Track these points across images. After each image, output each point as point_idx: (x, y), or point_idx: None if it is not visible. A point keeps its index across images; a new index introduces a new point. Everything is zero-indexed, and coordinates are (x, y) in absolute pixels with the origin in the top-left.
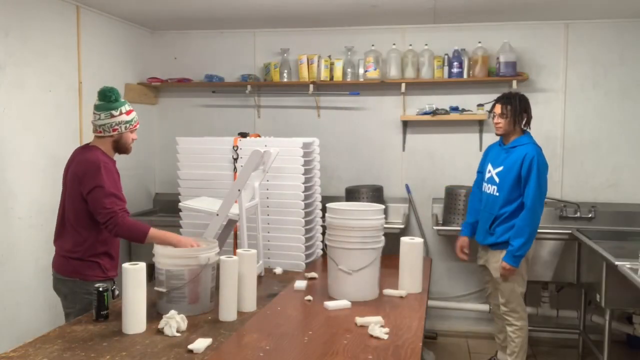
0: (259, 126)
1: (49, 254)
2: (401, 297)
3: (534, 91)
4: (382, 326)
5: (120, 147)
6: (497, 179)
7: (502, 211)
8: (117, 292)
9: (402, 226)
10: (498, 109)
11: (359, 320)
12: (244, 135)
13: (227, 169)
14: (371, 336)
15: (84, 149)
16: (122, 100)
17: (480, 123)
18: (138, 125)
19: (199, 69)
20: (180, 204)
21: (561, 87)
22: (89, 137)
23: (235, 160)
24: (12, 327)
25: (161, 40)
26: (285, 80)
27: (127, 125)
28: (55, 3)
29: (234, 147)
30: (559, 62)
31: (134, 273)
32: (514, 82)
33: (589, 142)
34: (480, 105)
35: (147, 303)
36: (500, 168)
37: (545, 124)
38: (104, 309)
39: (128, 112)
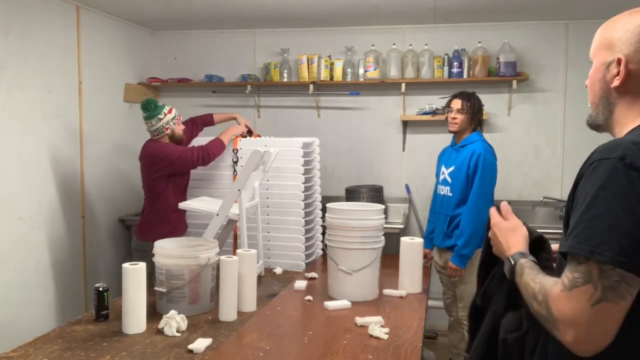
0: (259, 126)
1: (49, 254)
2: (401, 297)
3: (534, 91)
4: (382, 326)
5: (176, 139)
6: (449, 179)
7: (457, 211)
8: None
9: (402, 226)
10: (457, 104)
11: (359, 320)
12: (249, 132)
13: (227, 169)
14: (371, 336)
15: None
16: (161, 104)
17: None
18: (181, 117)
19: (199, 69)
20: (180, 204)
21: (561, 87)
22: (89, 137)
23: (235, 163)
24: (12, 327)
25: (161, 40)
26: (285, 80)
27: (174, 120)
28: (55, 3)
29: (233, 150)
30: (559, 62)
31: (134, 273)
32: (514, 82)
33: (589, 142)
34: None
35: (147, 303)
36: (452, 168)
37: (545, 124)
38: (104, 309)
39: (170, 111)
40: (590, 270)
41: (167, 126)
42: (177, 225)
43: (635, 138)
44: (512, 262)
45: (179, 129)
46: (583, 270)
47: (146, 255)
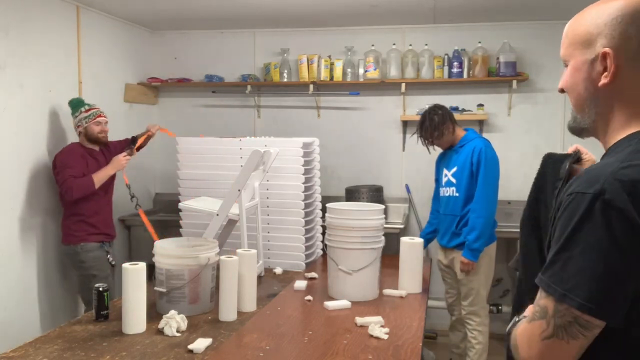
0: (259, 126)
1: (49, 254)
2: (401, 297)
3: (534, 91)
4: (382, 326)
5: (89, 137)
6: (453, 180)
7: (465, 210)
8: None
9: (402, 226)
10: (429, 137)
11: (359, 320)
12: (133, 141)
13: (227, 169)
14: (371, 336)
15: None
16: (82, 103)
17: (481, 123)
18: (100, 119)
19: (199, 69)
20: (180, 204)
21: None
22: None
23: (133, 197)
24: (12, 327)
25: (161, 40)
26: (285, 80)
27: (86, 120)
28: (55, 3)
29: (126, 184)
30: (559, 62)
31: (134, 273)
32: (514, 82)
33: (589, 142)
34: (480, 106)
35: (147, 303)
36: (455, 169)
37: (545, 124)
38: (104, 309)
39: (87, 110)
40: (547, 307)
41: (79, 124)
42: (98, 228)
43: (618, 166)
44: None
45: (94, 128)
46: (542, 304)
47: (72, 259)
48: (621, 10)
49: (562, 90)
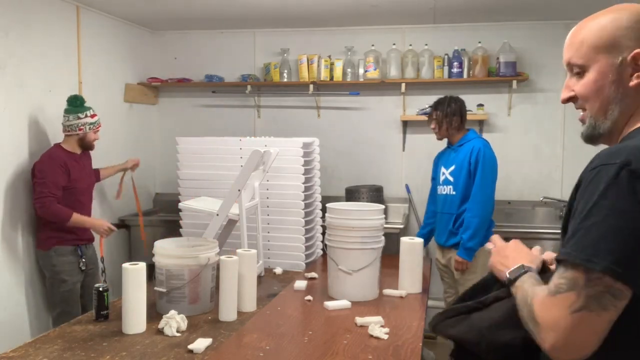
0: (259, 126)
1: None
2: (401, 297)
3: (534, 91)
4: (382, 326)
5: (85, 144)
6: (451, 178)
7: (462, 209)
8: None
9: (402, 226)
10: (433, 114)
11: (359, 320)
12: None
13: (227, 169)
14: (371, 336)
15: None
16: (88, 106)
17: (481, 123)
18: (100, 128)
19: (199, 69)
20: (180, 204)
21: (561, 87)
22: None
23: (103, 272)
24: (12, 327)
25: (161, 40)
26: (285, 80)
27: (91, 126)
28: (55, 3)
29: (100, 258)
30: (559, 62)
31: (134, 273)
32: (514, 82)
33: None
34: (480, 106)
35: (147, 303)
36: (452, 167)
37: (545, 124)
38: (104, 309)
39: (92, 116)
40: (577, 278)
41: (81, 127)
42: (74, 233)
43: (639, 142)
44: (522, 271)
45: (93, 136)
46: (569, 276)
47: (44, 263)
48: (638, 16)
49: (569, 99)
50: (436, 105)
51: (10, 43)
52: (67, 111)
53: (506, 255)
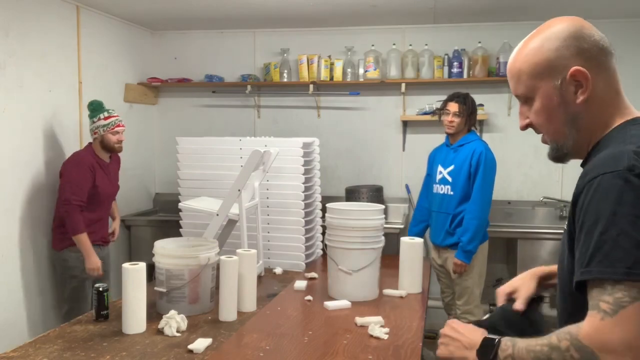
0: (259, 126)
1: (50, 254)
2: (401, 297)
3: None
4: (382, 326)
5: (106, 146)
6: (449, 178)
7: (459, 209)
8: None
9: (402, 226)
10: (454, 107)
11: (359, 320)
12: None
13: (227, 169)
14: (371, 336)
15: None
16: (104, 109)
17: (480, 123)
18: (119, 128)
19: (199, 69)
20: (180, 204)
21: None
22: (89, 138)
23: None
24: (12, 327)
25: (161, 40)
26: (285, 80)
27: (104, 128)
28: (55, 3)
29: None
30: None
31: (134, 273)
32: None
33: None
34: (480, 105)
35: (147, 303)
36: (451, 167)
37: None
38: (104, 309)
39: (106, 118)
40: (631, 289)
41: (95, 130)
42: (94, 233)
43: (632, 147)
44: (495, 341)
45: (111, 138)
46: (624, 289)
47: (63, 265)
48: (567, 31)
49: (527, 126)
50: (464, 99)
51: (10, 43)
52: (89, 117)
53: (456, 338)
